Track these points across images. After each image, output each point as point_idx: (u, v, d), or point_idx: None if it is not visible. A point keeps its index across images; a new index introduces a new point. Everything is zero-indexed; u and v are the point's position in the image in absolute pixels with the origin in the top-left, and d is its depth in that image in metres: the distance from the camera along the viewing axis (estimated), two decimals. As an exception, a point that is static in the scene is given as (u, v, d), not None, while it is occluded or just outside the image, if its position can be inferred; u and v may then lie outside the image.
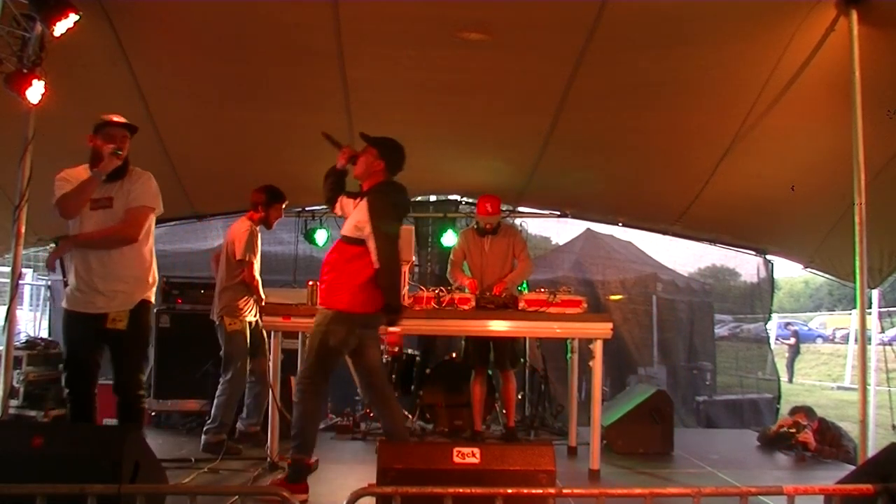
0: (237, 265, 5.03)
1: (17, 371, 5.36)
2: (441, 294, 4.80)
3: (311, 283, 5.14)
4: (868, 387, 4.62)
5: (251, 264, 5.05)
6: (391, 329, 3.92)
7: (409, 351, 6.28)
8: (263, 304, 5.05)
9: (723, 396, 8.80)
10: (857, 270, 4.05)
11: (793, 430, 5.46)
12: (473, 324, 4.81)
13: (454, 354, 6.13)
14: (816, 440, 5.39)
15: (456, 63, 4.71)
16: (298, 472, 3.81)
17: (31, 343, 5.96)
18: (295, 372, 5.29)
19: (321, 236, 7.35)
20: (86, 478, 2.39)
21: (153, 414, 5.97)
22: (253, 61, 4.72)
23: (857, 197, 4.00)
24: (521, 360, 5.75)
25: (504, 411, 5.74)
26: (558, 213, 7.54)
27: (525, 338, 5.69)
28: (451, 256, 5.85)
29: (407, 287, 5.04)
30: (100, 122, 3.77)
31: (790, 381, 15.63)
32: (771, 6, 4.01)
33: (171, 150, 5.71)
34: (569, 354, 5.56)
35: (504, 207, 7.58)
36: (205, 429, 5.02)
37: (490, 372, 5.74)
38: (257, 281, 5.11)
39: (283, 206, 5.34)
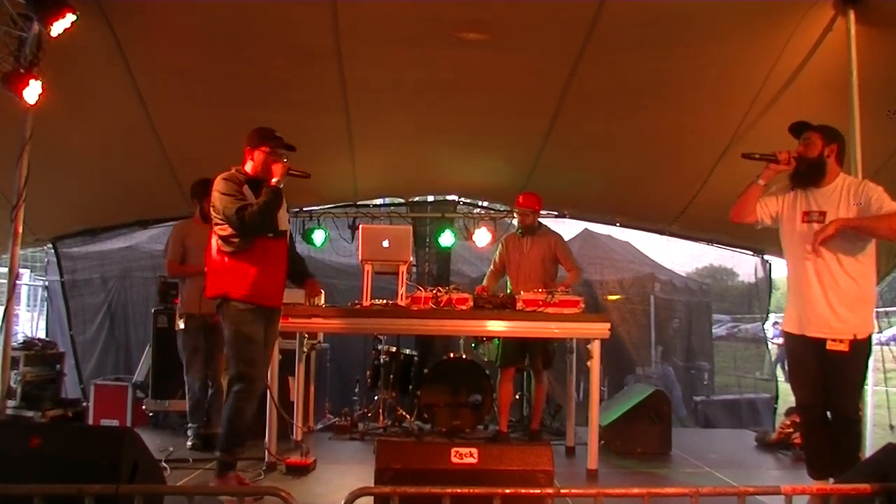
0: None
1: (15, 371, 5.35)
2: (439, 294, 4.80)
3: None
4: (866, 387, 4.63)
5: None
6: None
7: (408, 351, 6.29)
8: None
9: (721, 396, 8.81)
10: (856, 270, 4.04)
11: (790, 431, 5.46)
12: (471, 324, 4.80)
13: (451, 354, 6.13)
14: (814, 440, 5.37)
15: (455, 63, 4.71)
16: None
17: (29, 343, 5.96)
18: (293, 372, 5.30)
19: (319, 236, 7.36)
20: (84, 478, 2.39)
21: (151, 414, 5.96)
22: (252, 61, 4.71)
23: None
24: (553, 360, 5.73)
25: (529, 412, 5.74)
26: (556, 213, 7.53)
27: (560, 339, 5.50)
28: (491, 265, 5.86)
29: (405, 287, 5.04)
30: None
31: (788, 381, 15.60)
32: (769, 6, 4.02)
33: (169, 151, 5.70)
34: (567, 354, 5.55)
35: (502, 207, 7.64)
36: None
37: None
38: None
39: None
